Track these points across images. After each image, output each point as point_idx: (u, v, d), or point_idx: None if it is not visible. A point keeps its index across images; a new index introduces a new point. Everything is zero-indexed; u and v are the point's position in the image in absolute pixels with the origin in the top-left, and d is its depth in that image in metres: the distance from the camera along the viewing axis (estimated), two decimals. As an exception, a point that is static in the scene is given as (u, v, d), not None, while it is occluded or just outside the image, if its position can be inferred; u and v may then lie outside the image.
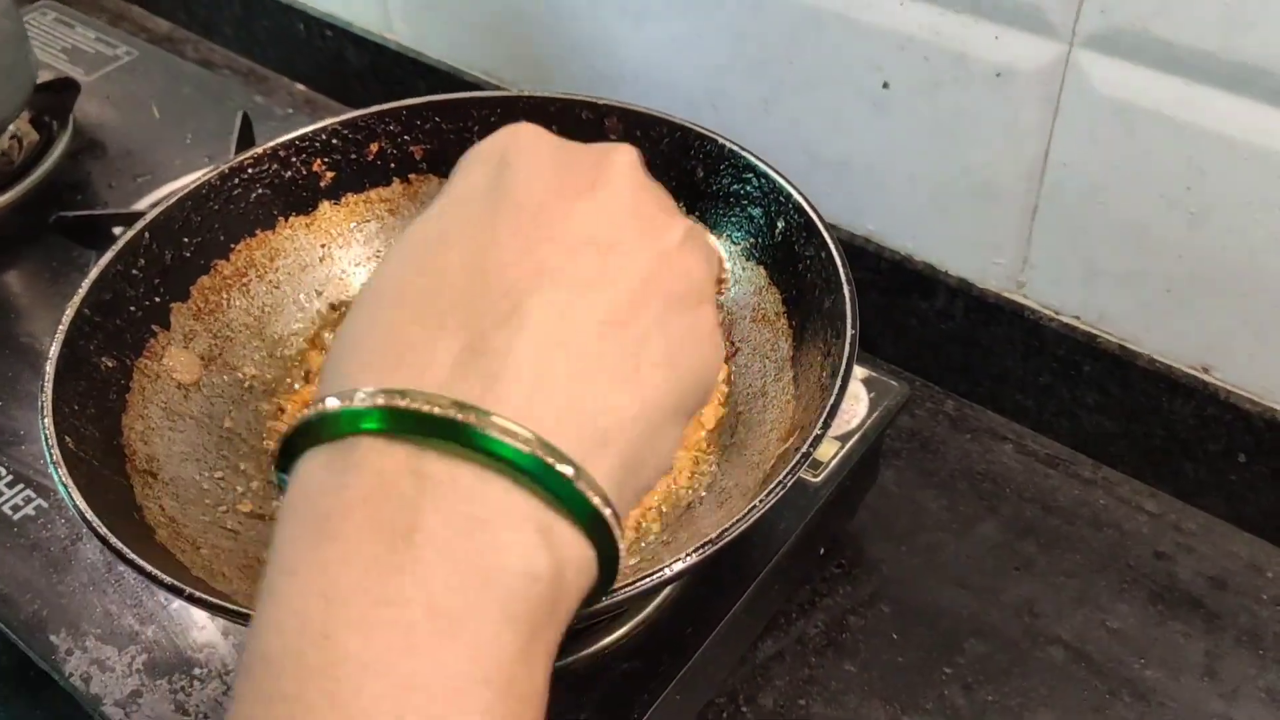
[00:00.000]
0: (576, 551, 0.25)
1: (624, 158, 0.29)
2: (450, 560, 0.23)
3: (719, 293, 0.34)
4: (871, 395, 0.53)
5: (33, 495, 0.54)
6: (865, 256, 0.65)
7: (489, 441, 0.23)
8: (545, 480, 0.24)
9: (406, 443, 0.24)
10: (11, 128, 0.74)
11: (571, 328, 0.26)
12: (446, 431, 0.23)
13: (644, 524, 0.46)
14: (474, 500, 0.23)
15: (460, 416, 0.23)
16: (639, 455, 0.27)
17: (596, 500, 0.25)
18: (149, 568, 0.35)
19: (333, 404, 0.24)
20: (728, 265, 0.34)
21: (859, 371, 0.54)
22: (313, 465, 0.25)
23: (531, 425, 0.24)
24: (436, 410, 0.23)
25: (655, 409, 0.27)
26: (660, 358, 0.27)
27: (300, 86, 0.93)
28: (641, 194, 0.29)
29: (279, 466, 0.26)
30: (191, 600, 0.35)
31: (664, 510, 0.47)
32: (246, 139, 0.69)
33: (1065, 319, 0.59)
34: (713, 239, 0.33)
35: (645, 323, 0.27)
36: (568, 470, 0.24)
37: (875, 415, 0.53)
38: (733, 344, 0.50)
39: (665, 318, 0.27)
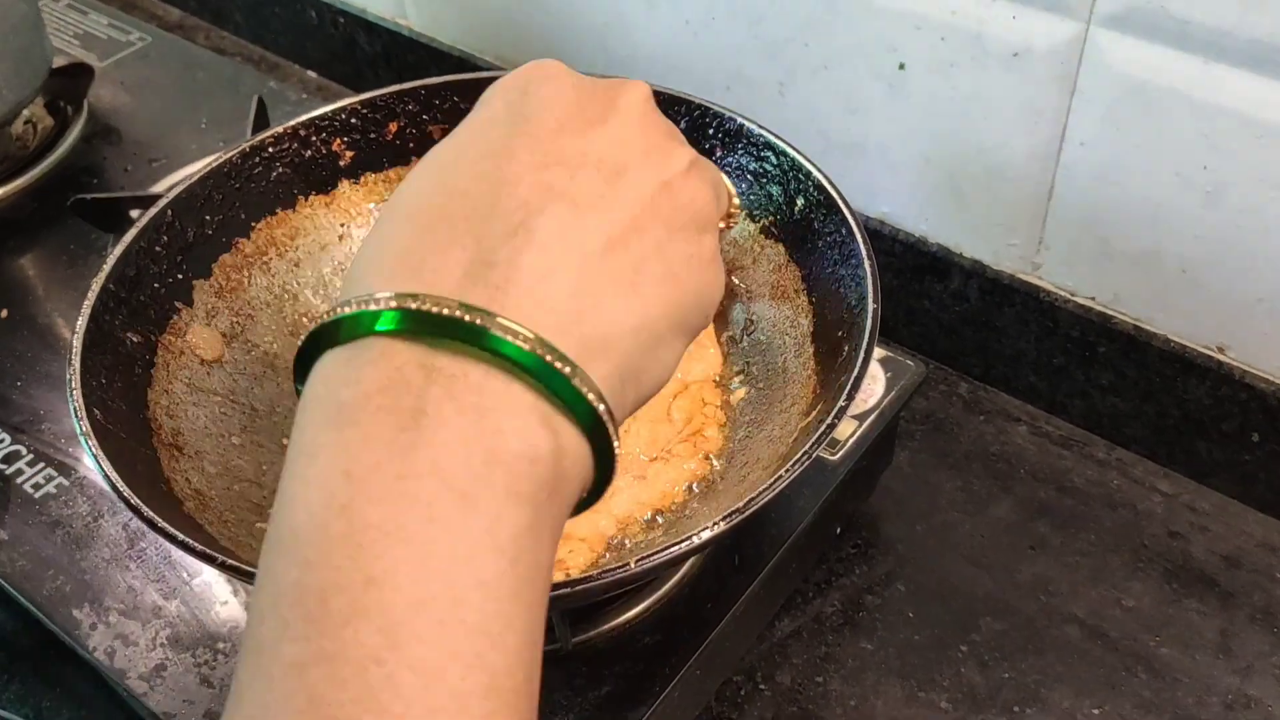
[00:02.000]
0: (574, 444, 0.27)
1: (637, 91, 0.32)
2: (459, 441, 0.25)
3: (728, 226, 0.36)
4: (888, 375, 0.54)
5: (54, 474, 0.55)
6: (880, 239, 0.65)
7: (493, 340, 0.25)
8: (545, 377, 0.26)
9: (418, 342, 0.26)
10: (26, 112, 0.75)
11: (575, 245, 0.28)
12: (454, 331, 0.25)
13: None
14: (479, 391, 0.25)
15: (467, 317, 0.26)
16: (637, 364, 0.29)
17: (592, 397, 0.27)
18: (182, 536, 0.36)
19: (350, 308, 0.26)
20: (737, 201, 0.36)
21: (876, 351, 0.54)
22: (332, 362, 0.26)
23: (533, 328, 0.26)
24: (445, 311, 0.26)
25: (655, 322, 0.29)
26: (660, 277, 0.29)
27: (312, 74, 0.93)
28: (651, 125, 0.31)
29: (297, 374, 0.28)
30: (224, 568, 0.35)
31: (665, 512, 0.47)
32: (262, 123, 0.69)
33: (1080, 300, 0.60)
34: (724, 176, 0.35)
35: (645, 246, 0.29)
36: (565, 368, 0.26)
37: (892, 394, 0.53)
38: (752, 318, 0.50)
39: (665, 243, 0.30)
